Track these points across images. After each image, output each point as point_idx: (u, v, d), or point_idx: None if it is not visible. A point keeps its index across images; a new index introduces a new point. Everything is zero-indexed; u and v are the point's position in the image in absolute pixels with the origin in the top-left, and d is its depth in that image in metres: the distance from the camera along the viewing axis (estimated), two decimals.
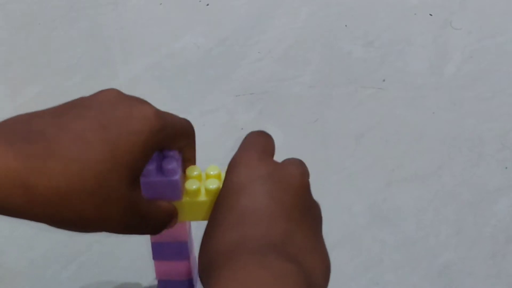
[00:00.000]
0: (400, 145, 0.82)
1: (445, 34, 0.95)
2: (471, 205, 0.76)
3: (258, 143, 0.58)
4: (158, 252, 0.64)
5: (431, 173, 0.79)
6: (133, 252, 0.71)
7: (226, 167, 0.60)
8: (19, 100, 0.88)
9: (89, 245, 0.72)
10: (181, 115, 0.84)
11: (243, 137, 0.83)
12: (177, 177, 0.58)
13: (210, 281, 0.49)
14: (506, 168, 0.79)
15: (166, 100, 0.87)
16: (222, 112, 0.86)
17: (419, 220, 0.75)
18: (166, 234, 0.62)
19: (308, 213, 0.54)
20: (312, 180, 0.78)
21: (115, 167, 0.50)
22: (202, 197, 0.60)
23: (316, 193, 0.76)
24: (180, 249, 0.64)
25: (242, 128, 0.84)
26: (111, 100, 0.54)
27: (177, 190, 0.59)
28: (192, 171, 0.61)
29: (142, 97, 0.88)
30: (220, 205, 0.54)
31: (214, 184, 0.59)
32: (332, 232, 0.74)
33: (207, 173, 0.61)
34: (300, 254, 0.51)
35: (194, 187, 0.59)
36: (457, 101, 0.87)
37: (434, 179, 0.78)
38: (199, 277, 0.54)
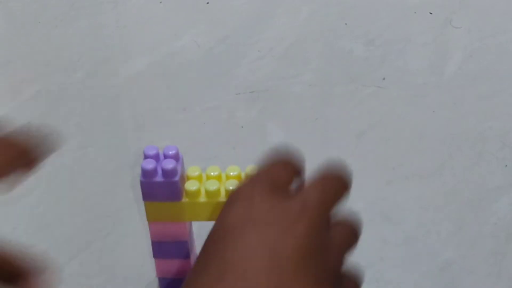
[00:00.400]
0: (401, 144, 0.82)
1: (446, 33, 0.95)
2: (472, 203, 0.76)
3: (274, 172, 0.49)
4: (158, 251, 0.64)
5: (431, 172, 0.79)
6: (134, 250, 0.71)
7: (226, 166, 0.60)
8: (19, 99, 0.87)
9: (90, 242, 0.72)
10: (182, 113, 0.85)
11: (243, 135, 0.83)
12: (177, 178, 0.58)
13: None
14: (506, 166, 0.79)
15: (166, 99, 0.87)
16: (222, 110, 0.86)
17: (419, 218, 0.75)
18: (167, 234, 0.62)
19: (312, 266, 0.45)
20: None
21: None
22: (202, 198, 0.60)
23: None
24: (181, 249, 0.64)
25: (242, 126, 0.84)
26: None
27: (177, 191, 0.59)
28: (193, 171, 0.61)
29: (142, 95, 0.88)
30: (207, 249, 0.47)
31: (214, 186, 0.59)
32: None
33: (207, 174, 0.61)
34: None
35: (194, 188, 0.59)
36: (457, 100, 0.87)
37: (435, 178, 0.78)
38: None
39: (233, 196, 0.48)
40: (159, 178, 0.58)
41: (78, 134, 0.82)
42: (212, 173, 0.60)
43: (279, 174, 0.49)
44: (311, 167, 0.79)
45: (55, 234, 0.73)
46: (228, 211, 0.47)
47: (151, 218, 0.61)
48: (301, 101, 0.87)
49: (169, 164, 0.58)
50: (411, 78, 0.89)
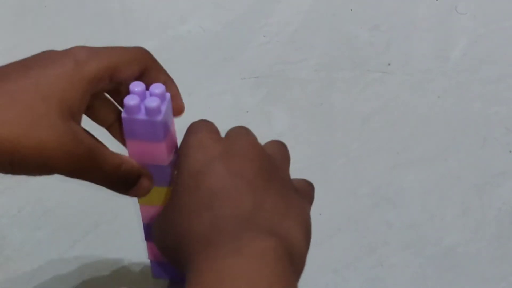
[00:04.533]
0: (406, 129, 0.82)
1: (451, 18, 0.95)
2: (476, 188, 0.76)
3: (204, 126, 0.58)
4: (150, 234, 0.64)
5: (436, 156, 0.79)
6: (140, 233, 0.71)
7: None
8: None
9: (95, 225, 0.73)
10: (187, 98, 0.84)
11: (248, 120, 0.84)
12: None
13: (189, 274, 0.49)
14: (511, 151, 0.79)
15: None
16: (227, 95, 0.86)
17: (424, 203, 0.75)
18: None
19: (272, 178, 0.54)
20: (317, 163, 0.78)
21: (40, 96, 0.50)
22: None
23: (322, 176, 0.77)
24: None
25: (247, 111, 0.84)
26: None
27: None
28: None
29: None
30: (181, 190, 0.54)
31: None
32: (338, 214, 0.74)
33: None
34: (274, 222, 0.51)
35: None
36: (462, 86, 0.87)
37: (440, 162, 0.79)
38: (164, 256, 0.54)
39: (186, 145, 0.55)
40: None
41: (83, 118, 0.82)
42: None
43: (210, 125, 0.58)
44: (317, 151, 0.80)
45: (61, 217, 0.73)
46: (189, 157, 0.54)
47: (142, 201, 0.61)
48: (306, 86, 0.87)
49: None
50: (416, 64, 0.89)
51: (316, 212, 0.74)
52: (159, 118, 0.55)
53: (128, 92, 0.55)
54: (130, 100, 0.55)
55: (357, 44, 0.92)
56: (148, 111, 0.55)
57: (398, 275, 0.70)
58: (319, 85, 0.87)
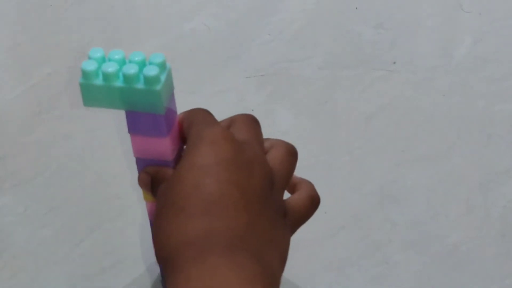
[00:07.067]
0: (410, 127, 0.82)
1: (456, 16, 0.95)
2: (481, 186, 0.76)
3: (214, 119, 0.57)
4: None
5: (441, 154, 0.79)
6: (144, 231, 0.72)
7: None
8: (29, 81, 0.88)
9: (100, 224, 0.73)
10: (191, 96, 0.85)
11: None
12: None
13: (175, 275, 0.49)
14: None
15: (176, 81, 0.87)
16: (232, 93, 0.86)
17: (428, 201, 0.75)
18: None
19: (268, 200, 0.53)
20: (322, 161, 0.78)
21: None
22: None
23: (326, 174, 0.77)
24: None
25: (252, 110, 0.84)
26: None
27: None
28: None
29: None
30: (181, 186, 0.52)
31: None
32: (342, 212, 0.74)
33: None
34: (261, 248, 0.50)
35: None
36: (467, 83, 0.87)
37: (444, 160, 0.78)
38: (158, 260, 0.53)
39: (198, 137, 0.53)
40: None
41: (88, 116, 0.83)
42: None
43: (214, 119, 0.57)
44: (320, 150, 0.80)
45: (66, 215, 0.74)
46: (199, 151, 0.52)
47: (147, 199, 0.61)
48: (310, 84, 0.87)
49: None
50: (421, 62, 0.89)
51: (321, 210, 0.74)
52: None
53: None
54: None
55: (362, 42, 0.92)
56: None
57: (402, 273, 0.70)
58: (323, 83, 0.87)
